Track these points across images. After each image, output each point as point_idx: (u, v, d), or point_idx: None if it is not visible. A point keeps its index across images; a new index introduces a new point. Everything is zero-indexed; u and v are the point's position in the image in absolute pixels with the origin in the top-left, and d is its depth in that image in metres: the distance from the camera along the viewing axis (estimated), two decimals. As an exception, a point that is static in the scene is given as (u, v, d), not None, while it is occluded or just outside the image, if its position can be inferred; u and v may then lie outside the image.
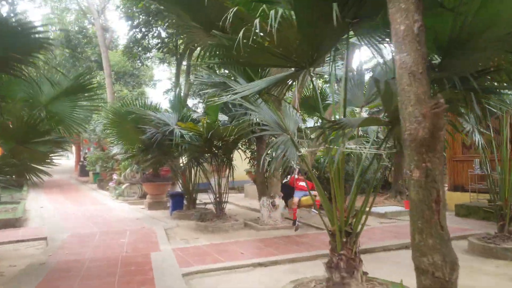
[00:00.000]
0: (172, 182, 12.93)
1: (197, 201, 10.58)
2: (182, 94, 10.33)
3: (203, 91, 13.62)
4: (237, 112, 8.39)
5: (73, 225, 8.75)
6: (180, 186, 10.82)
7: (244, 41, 2.61)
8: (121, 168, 14.99)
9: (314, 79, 3.65)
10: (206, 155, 8.52)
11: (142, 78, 29.49)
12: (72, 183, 20.97)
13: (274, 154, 3.80)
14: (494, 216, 7.98)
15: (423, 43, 2.10)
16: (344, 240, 3.27)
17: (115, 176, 15.80)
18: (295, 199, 8.16)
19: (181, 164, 12.15)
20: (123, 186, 13.78)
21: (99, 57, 24.79)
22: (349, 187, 9.67)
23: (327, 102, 10.15)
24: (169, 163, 10.83)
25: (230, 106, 8.88)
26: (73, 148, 31.07)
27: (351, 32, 2.81)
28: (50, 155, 6.48)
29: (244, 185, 15.08)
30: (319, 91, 8.74)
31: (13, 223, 8.33)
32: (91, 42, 26.79)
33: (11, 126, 5.65)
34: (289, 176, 7.47)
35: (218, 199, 8.36)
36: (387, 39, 2.81)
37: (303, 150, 3.75)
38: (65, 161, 44.15)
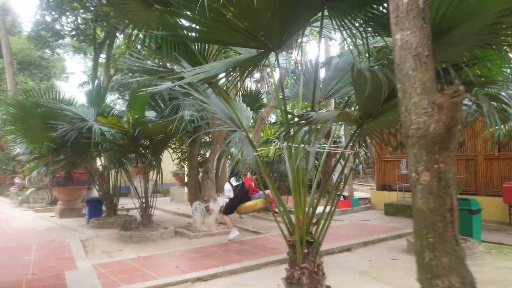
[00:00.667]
0: (88, 186, 11.56)
1: (118, 207, 9.53)
2: (101, 87, 9.17)
3: (128, 81, 12.43)
4: (167, 108, 7.64)
5: (-40, 240, 7.20)
6: (98, 190, 9.66)
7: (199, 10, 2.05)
8: (25, 170, 13.08)
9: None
10: (131, 155, 7.61)
11: (51, 70, 26.43)
12: (-38, 189, 17.90)
13: (230, 153, 3.26)
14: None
15: (428, 21, 1.76)
16: (306, 251, 2.86)
17: (17, 180, 13.78)
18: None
19: (99, 166, 10.92)
20: (28, 192, 12.00)
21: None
22: (284, 188, 9.53)
23: (262, 100, 9.86)
24: (85, 165, 9.60)
25: (159, 101, 8.09)
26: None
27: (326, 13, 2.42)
28: None
29: (170, 188, 14.19)
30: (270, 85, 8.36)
31: None
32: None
33: None
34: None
35: (144, 205, 7.50)
36: (365, 24, 2.47)
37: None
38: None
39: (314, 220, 2.93)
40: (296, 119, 2.39)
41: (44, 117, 8.24)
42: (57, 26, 11.85)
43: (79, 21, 12.37)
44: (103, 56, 14.91)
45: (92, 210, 9.29)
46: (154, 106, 8.00)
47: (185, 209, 11.04)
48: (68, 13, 11.85)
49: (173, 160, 9.96)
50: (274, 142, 9.52)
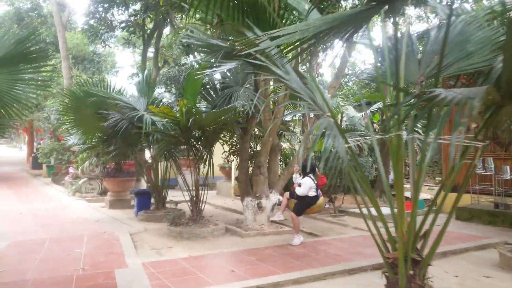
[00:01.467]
0: (136, 177, 11.51)
1: (167, 200, 9.29)
2: (150, 77, 8.96)
3: (185, 64, 12.14)
4: (219, 98, 7.21)
5: (17, 229, 7.23)
6: (146, 182, 9.50)
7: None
8: (78, 161, 13.31)
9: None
10: (181, 147, 7.26)
11: (103, 64, 27.25)
12: (22, 176, 18.84)
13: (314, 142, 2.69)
14: (501, 220, 7.40)
15: None
16: (412, 272, 2.23)
17: (71, 170, 14.09)
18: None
19: (148, 158, 10.79)
20: (81, 181, 12.17)
21: (55, 39, 22.49)
22: (342, 186, 8.79)
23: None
24: (135, 156, 9.46)
25: (210, 91, 7.68)
26: (25, 138, 28.45)
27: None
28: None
29: (217, 181, 13.89)
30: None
31: None
32: (46, 22, 24.33)
33: None
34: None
35: (194, 199, 7.13)
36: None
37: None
38: (16, 152, 40.79)
39: (421, 232, 2.29)
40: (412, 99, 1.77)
41: (95, 107, 8.13)
42: (109, 18, 11.82)
43: (129, 12, 12.32)
44: (151, 50, 14.90)
45: (141, 202, 9.12)
46: (205, 95, 7.61)
47: (232, 204, 10.66)
48: (119, 5, 11.81)
49: (222, 153, 9.54)
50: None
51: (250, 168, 8.20)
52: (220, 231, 6.81)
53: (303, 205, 6.23)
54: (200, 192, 7.19)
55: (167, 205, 9.19)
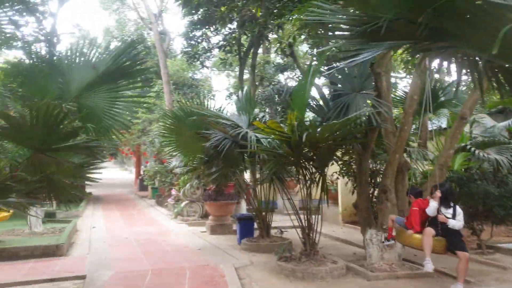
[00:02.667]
0: (237, 201, 10.90)
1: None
2: (250, 94, 8.34)
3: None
4: (330, 109, 6.14)
5: (121, 255, 6.96)
6: (247, 206, 8.77)
7: None
8: (180, 183, 13.32)
9: None
10: (290, 167, 6.31)
11: (200, 88, 28.37)
12: (130, 198, 19.90)
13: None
14: None
15: None
16: None
17: (173, 192, 14.21)
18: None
19: (247, 179, 10.12)
20: (183, 204, 12.01)
21: (157, 68, 24.01)
22: (492, 215, 6.88)
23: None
24: (236, 178, 8.82)
25: (319, 102, 6.65)
26: (133, 161, 30.70)
27: None
28: (85, 168, 4.73)
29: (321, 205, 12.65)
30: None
31: (54, 251, 6.70)
32: (150, 53, 26.18)
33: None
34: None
35: (307, 229, 6.07)
36: None
37: None
38: (127, 175, 44.63)
39: None
40: None
41: (196, 127, 7.70)
42: (205, 39, 11.74)
43: (225, 30, 12.11)
44: (246, 71, 14.58)
45: (244, 229, 8.36)
46: (313, 107, 6.59)
47: (342, 233, 9.35)
48: (216, 22, 11.66)
49: (331, 174, 8.36)
50: (472, 149, 7.08)
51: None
52: (340, 271, 5.59)
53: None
54: (315, 221, 6.11)
55: (272, 232, 8.28)
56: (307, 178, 6.04)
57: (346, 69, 6.19)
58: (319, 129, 5.02)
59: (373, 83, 6.04)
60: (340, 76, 6.29)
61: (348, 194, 9.52)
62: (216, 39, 12.83)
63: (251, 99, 8.29)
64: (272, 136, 5.47)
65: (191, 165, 9.82)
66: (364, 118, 5.75)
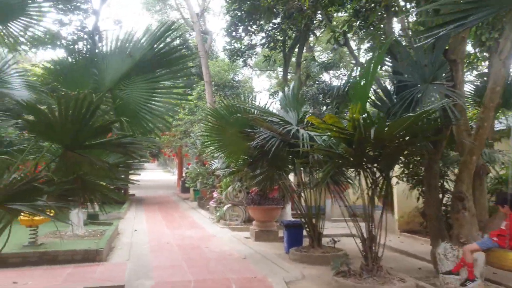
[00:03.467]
0: (282, 206, 10.21)
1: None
2: (298, 89, 7.65)
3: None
4: (394, 103, 5.33)
5: (162, 262, 6.52)
6: (293, 211, 8.06)
7: None
8: (222, 185, 12.87)
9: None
10: (348, 170, 5.56)
11: (242, 89, 28.04)
12: (172, 200, 19.82)
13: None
14: None
15: None
16: None
17: (215, 195, 13.80)
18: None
19: (292, 182, 9.43)
20: (225, 208, 11.52)
21: (199, 69, 23.95)
22: None
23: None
24: (282, 181, 8.17)
25: (381, 96, 5.84)
26: (175, 162, 30.93)
27: None
28: (121, 168, 4.28)
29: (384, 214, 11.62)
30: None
31: (93, 256, 6.38)
32: (192, 55, 26.18)
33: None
34: None
35: (368, 241, 5.29)
36: None
37: None
38: (170, 176, 45.34)
39: None
40: None
41: (240, 126, 7.15)
42: (250, 32, 11.18)
43: (269, 26, 11.51)
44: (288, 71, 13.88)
45: (292, 237, 7.68)
46: (374, 101, 5.79)
47: (400, 244, 8.39)
48: (258, 21, 11.11)
49: (398, 179, 7.34)
50: None
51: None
52: (410, 291, 4.77)
53: None
54: (377, 231, 5.32)
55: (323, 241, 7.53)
56: (369, 182, 5.26)
57: (414, 57, 5.36)
58: (387, 125, 4.23)
59: (447, 73, 5.18)
60: (406, 65, 5.45)
61: (406, 200, 8.56)
62: (259, 36, 12.31)
63: (299, 95, 7.60)
64: (328, 133, 4.75)
65: (233, 167, 9.31)
66: (437, 113, 4.91)
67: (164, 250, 7.58)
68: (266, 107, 7.84)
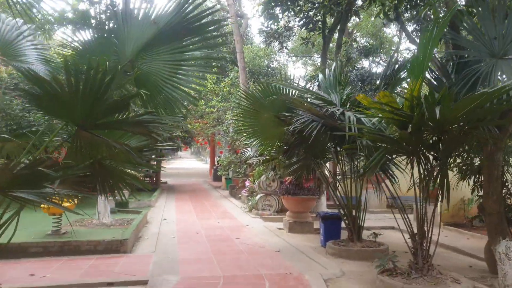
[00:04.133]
0: (318, 196, 9.59)
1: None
2: (339, 71, 6.94)
3: None
4: (454, 81, 4.57)
5: (190, 255, 6.14)
6: (328, 201, 7.45)
7: None
8: (254, 174, 12.41)
9: None
10: (400, 158, 4.86)
11: (276, 76, 27.33)
12: (204, 188, 19.64)
13: None
14: None
15: None
16: None
17: (247, 183, 13.38)
18: None
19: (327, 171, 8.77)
20: (257, 197, 11.06)
21: (233, 55, 23.47)
22: None
23: None
24: (320, 170, 7.57)
25: (437, 73, 5.07)
26: (208, 151, 30.86)
27: None
28: (144, 152, 3.87)
29: (414, 204, 10.81)
30: None
31: (117, 247, 6.08)
32: (226, 40, 25.78)
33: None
34: None
35: (419, 237, 4.63)
36: None
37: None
38: (202, 165, 45.62)
39: None
40: None
41: (276, 109, 6.60)
42: (289, 10, 10.43)
43: (309, 6, 10.74)
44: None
45: (329, 229, 7.10)
46: (429, 80, 5.03)
47: (446, 238, 7.58)
48: (297, 1, 10.37)
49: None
50: None
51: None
52: (469, 296, 4.09)
53: None
54: (429, 225, 4.64)
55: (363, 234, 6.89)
56: (425, 171, 4.57)
57: (482, 29, 4.55)
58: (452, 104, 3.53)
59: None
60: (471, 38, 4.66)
61: (452, 191, 7.74)
62: (297, 18, 11.54)
63: (340, 77, 6.90)
64: (379, 115, 4.09)
65: (267, 155, 8.80)
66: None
67: (192, 241, 7.21)
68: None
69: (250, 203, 11.48)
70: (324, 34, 11.42)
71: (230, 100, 18.62)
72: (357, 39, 20.70)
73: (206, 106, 19.14)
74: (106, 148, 3.30)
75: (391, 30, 24.48)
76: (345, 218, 6.84)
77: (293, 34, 12.44)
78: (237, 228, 8.83)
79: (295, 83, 6.16)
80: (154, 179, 18.89)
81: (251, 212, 11.13)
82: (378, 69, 20.94)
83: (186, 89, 3.46)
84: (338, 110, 4.73)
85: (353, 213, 6.79)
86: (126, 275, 4.85)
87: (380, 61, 20.53)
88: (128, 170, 4.35)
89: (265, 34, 11.72)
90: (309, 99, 5.64)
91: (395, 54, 23.47)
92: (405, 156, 4.67)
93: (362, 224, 6.77)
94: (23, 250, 5.75)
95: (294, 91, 6.13)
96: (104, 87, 2.80)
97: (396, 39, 25.19)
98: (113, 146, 3.14)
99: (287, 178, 9.55)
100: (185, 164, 47.86)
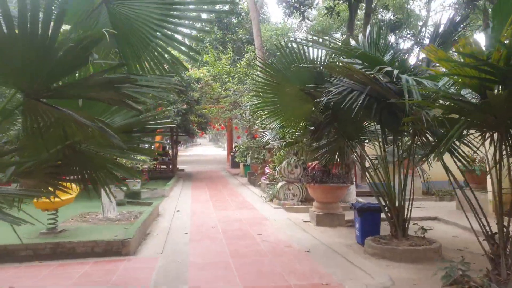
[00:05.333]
0: (348, 183, 8.45)
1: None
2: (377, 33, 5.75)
3: None
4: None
5: (203, 258, 5.13)
6: (363, 188, 6.34)
7: None
8: (275, 160, 11.36)
9: None
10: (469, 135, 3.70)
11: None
12: (222, 176, 18.72)
13: None
14: None
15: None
16: None
17: (267, 170, 12.34)
18: None
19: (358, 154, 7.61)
20: (278, 185, 10.01)
21: (249, 35, 22.24)
22: None
23: None
24: (354, 153, 6.44)
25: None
26: (226, 137, 29.92)
27: None
28: (131, 133, 2.89)
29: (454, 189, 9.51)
30: None
31: (118, 248, 5.12)
32: (242, 21, 24.59)
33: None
34: None
35: (502, 242, 3.50)
36: None
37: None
38: (220, 151, 44.84)
39: None
40: None
41: (301, 82, 5.49)
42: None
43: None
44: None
45: (367, 223, 5.99)
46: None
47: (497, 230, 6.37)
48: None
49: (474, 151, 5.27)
50: None
51: None
52: None
53: None
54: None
55: (409, 231, 5.75)
56: (504, 151, 3.40)
57: None
58: None
59: None
60: None
61: (504, 179, 6.51)
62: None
63: (379, 41, 5.68)
64: (454, 76, 2.92)
65: (290, 137, 7.72)
66: None
67: (207, 239, 6.23)
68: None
69: (270, 192, 10.45)
70: (350, 1, 10.11)
71: (247, 81, 17.52)
72: (381, 14, 19.20)
73: (221, 88, 18.08)
74: (76, 127, 2.29)
75: (419, 2, 22.69)
76: (386, 209, 5.72)
77: (316, 2, 11.14)
78: (257, 221, 7.83)
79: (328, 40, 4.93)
80: (171, 166, 18.09)
81: (272, 201, 10.11)
82: (406, 45, 19.38)
83: (181, 38, 2.39)
84: (393, 70, 3.54)
85: (396, 204, 5.66)
86: (125, 283, 3.91)
87: (408, 36, 18.90)
88: (115, 157, 3.36)
89: (284, 4, 10.46)
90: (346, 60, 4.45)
91: (423, 29, 21.80)
92: (479, 132, 3.50)
93: (408, 217, 5.63)
94: (9, 254, 4.89)
95: (325, 54, 4.97)
96: (53, 31, 1.77)
97: (424, 12, 23.41)
98: (83, 123, 2.12)
99: (310, 164, 8.45)
100: (203, 151, 47.25)
